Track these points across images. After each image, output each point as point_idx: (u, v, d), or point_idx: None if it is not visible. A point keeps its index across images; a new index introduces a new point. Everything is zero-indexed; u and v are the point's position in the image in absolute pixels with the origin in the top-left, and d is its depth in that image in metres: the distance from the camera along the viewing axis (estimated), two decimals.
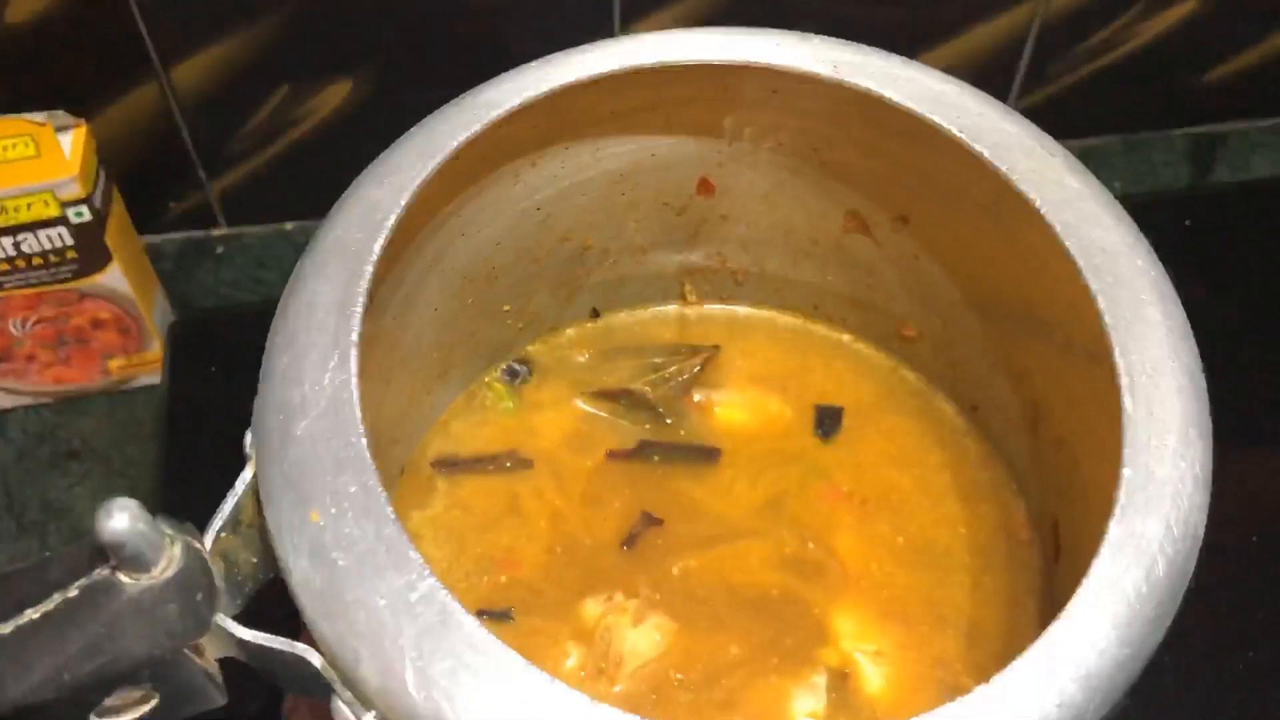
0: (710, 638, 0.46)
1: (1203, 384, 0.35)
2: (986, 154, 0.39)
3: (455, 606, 0.31)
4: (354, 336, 0.35)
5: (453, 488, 0.48)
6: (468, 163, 0.41)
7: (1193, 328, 0.36)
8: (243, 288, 0.69)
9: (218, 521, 0.34)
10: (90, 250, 0.57)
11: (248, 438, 0.35)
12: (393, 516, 0.32)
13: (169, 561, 0.30)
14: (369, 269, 0.36)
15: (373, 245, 0.36)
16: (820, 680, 0.45)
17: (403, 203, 0.37)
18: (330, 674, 0.32)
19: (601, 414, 0.50)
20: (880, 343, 0.53)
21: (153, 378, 0.65)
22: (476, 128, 0.39)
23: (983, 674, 0.30)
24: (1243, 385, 0.59)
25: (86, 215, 0.55)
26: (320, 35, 0.60)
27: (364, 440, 0.33)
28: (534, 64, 0.41)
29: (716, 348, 0.53)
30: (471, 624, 0.30)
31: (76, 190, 0.54)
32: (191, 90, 0.61)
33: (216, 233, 0.69)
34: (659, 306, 0.54)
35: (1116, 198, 0.38)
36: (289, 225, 0.70)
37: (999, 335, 0.47)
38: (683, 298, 0.54)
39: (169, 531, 0.31)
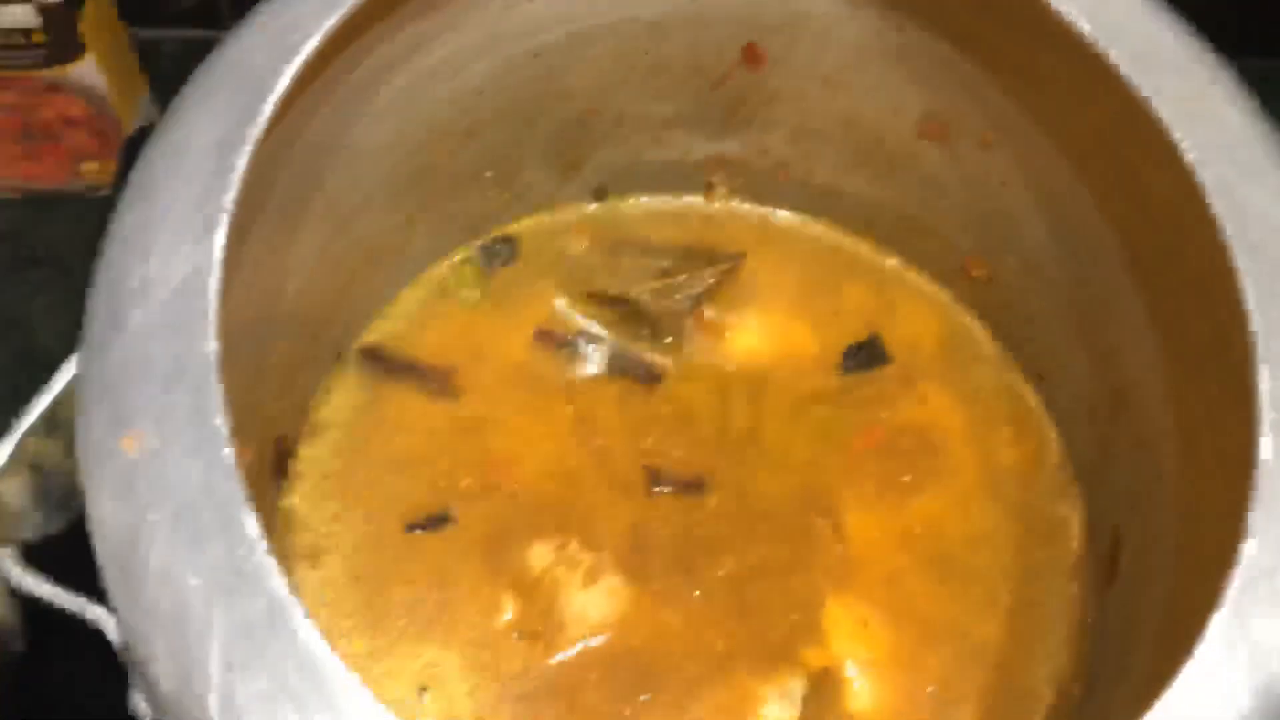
0: (675, 612, 0.37)
1: None
2: (1123, 65, 0.28)
3: (293, 603, 0.22)
4: (227, 199, 0.26)
5: (377, 390, 0.39)
6: None
7: None
8: None
9: (24, 423, 0.26)
10: (60, 36, 0.51)
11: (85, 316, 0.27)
12: (230, 459, 0.23)
13: None
14: (270, 103, 0.27)
15: (277, 75, 0.27)
16: (797, 686, 0.37)
17: (328, 23, 0.28)
18: (125, 656, 0.23)
19: (575, 335, 0.41)
20: (940, 277, 0.43)
21: None
22: None
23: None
24: None
25: None
26: None
27: (213, 345, 0.24)
28: None
29: (741, 256, 0.44)
30: (309, 632, 0.22)
31: None
32: None
33: (223, 33, 0.62)
34: (678, 197, 0.45)
35: None
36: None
37: (1090, 298, 0.38)
38: (708, 189, 0.45)
39: None
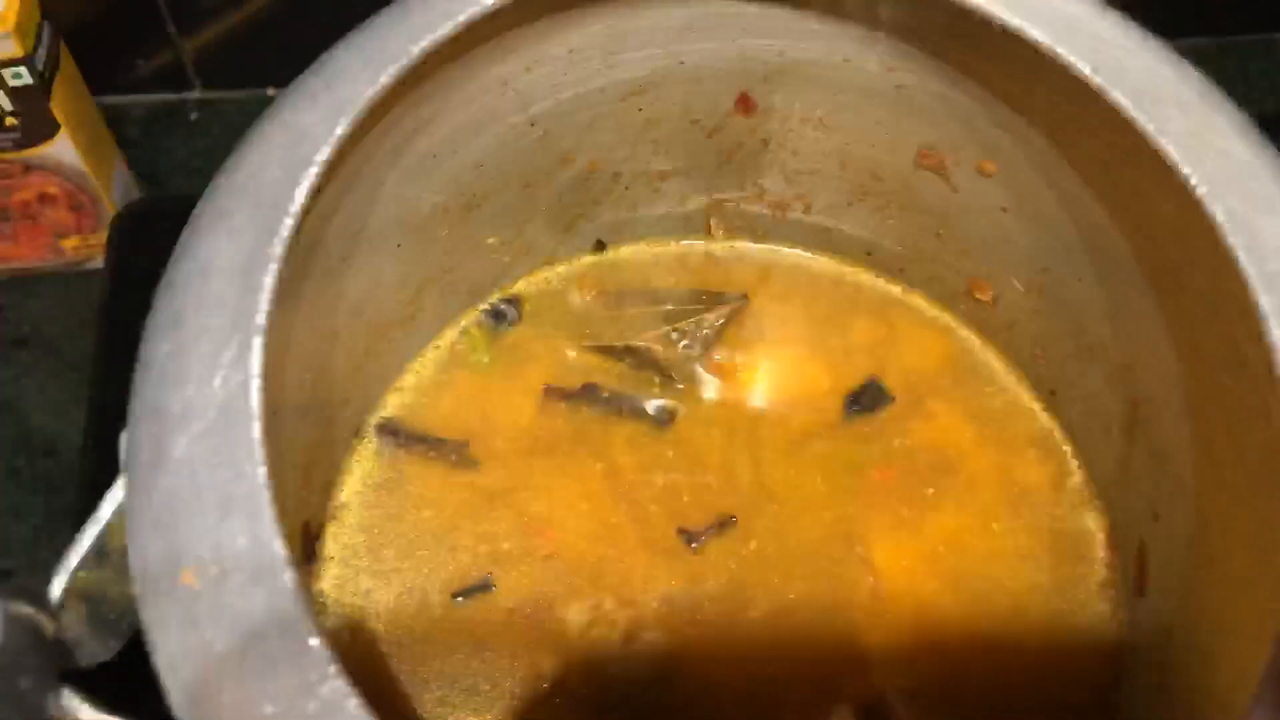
0: (718, 660, 0.38)
1: None
2: (1124, 101, 0.29)
3: None
4: (260, 318, 0.26)
5: (398, 465, 0.39)
6: (434, 68, 0.31)
7: None
8: (217, 160, 0.62)
9: (74, 558, 0.26)
10: (33, 118, 0.51)
11: (122, 442, 0.26)
12: (291, 585, 0.23)
13: None
14: (288, 221, 0.27)
15: (294, 189, 0.27)
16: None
17: (338, 131, 0.28)
18: None
19: (584, 389, 0.41)
20: (945, 301, 0.44)
21: None
22: (446, 28, 0.29)
23: None
24: None
25: (27, 78, 0.49)
26: None
27: (263, 471, 0.24)
28: None
29: (744, 296, 0.44)
30: None
31: (13, 48, 0.48)
32: None
33: (190, 96, 0.63)
34: (678, 241, 0.45)
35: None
36: (272, 91, 0.61)
37: (1100, 315, 0.38)
38: (708, 231, 0.45)
39: None
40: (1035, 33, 0.29)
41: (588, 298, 0.44)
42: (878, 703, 0.38)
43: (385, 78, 0.29)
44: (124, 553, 0.27)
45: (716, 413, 0.42)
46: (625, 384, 0.42)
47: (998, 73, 0.34)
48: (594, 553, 0.40)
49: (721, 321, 0.43)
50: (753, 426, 0.42)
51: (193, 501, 0.24)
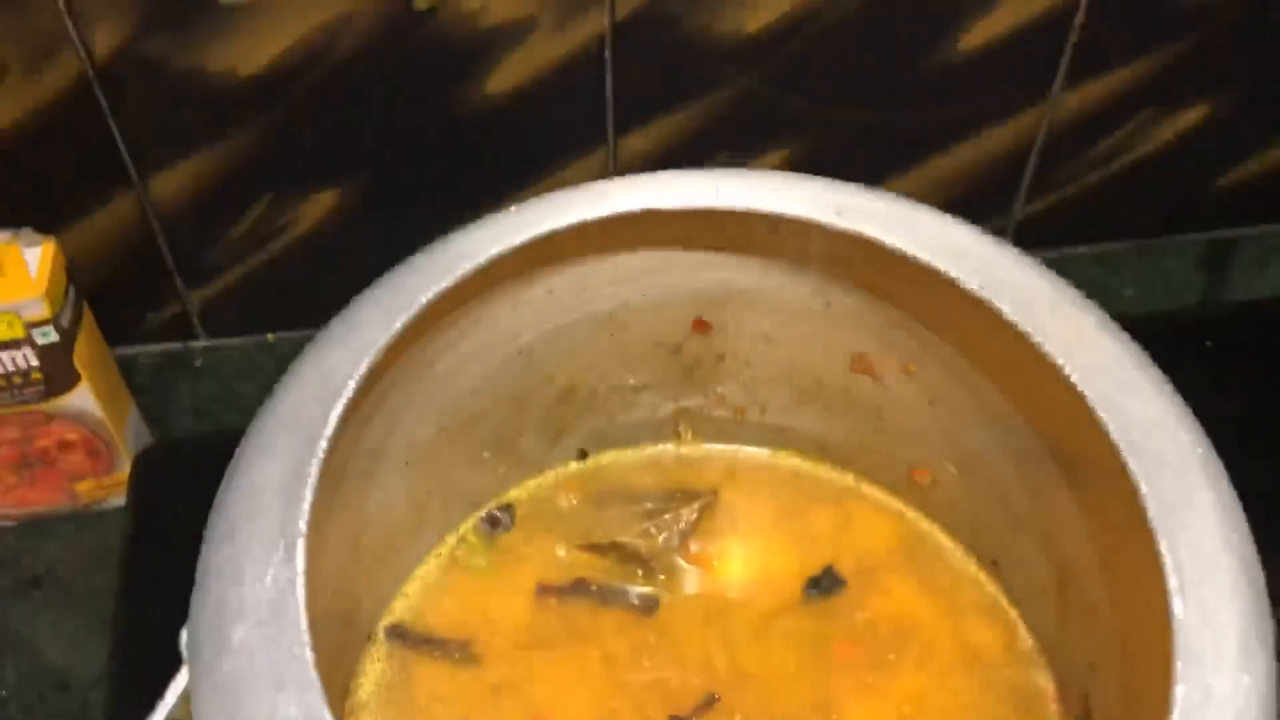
0: None
1: (1261, 580, 0.31)
2: (1008, 311, 0.35)
3: None
4: (301, 525, 0.31)
5: (406, 666, 0.43)
6: (438, 315, 0.37)
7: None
8: (221, 401, 0.66)
9: None
10: (57, 371, 0.55)
11: (183, 637, 0.31)
12: None
13: None
14: (323, 445, 0.32)
15: (327, 418, 0.33)
16: None
17: (364, 368, 0.34)
18: None
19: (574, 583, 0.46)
20: (891, 488, 0.49)
21: (124, 499, 0.61)
22: (447, 282, 0.36)
23: None
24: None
25: (53, 336, 0.53)
26: (305, 144, 0.58)
27: (309, 652, 0.29)
28: (512, 210, 0.37)
29: (714, 492, 0.49)
30: None
31: (42, 311, 0.52)
32: (170, 200, 0.59)
33: (195, 345, 0.66)
34: (652, 446, 0.51)
35: (1129, 306, 0.34)
36: (271, 337, 0.66)
37: (1019, 490, 0.43)
38: (677, 436, 0.51)
39: None
40: (932, 259, 0.36)
41: (574, 501, 0.49)
42: None
43: (399, 324, 0.35)
44: None
45: (694, 599, 0.47)
46: (612, 577, 0.47)
47: (907, 293, 0.40)
48: None
49: (695, 516, 0.48)
50: (726, 610, 0.46)
51: (250, 679, 0.29)
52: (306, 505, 0.31)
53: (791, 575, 0.47)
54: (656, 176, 0.38)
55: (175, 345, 0.66)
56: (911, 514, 0.49)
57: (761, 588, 0.47)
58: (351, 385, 0.33)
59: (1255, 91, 0.64)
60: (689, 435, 0.51)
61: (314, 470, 0.32)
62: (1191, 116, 0.64)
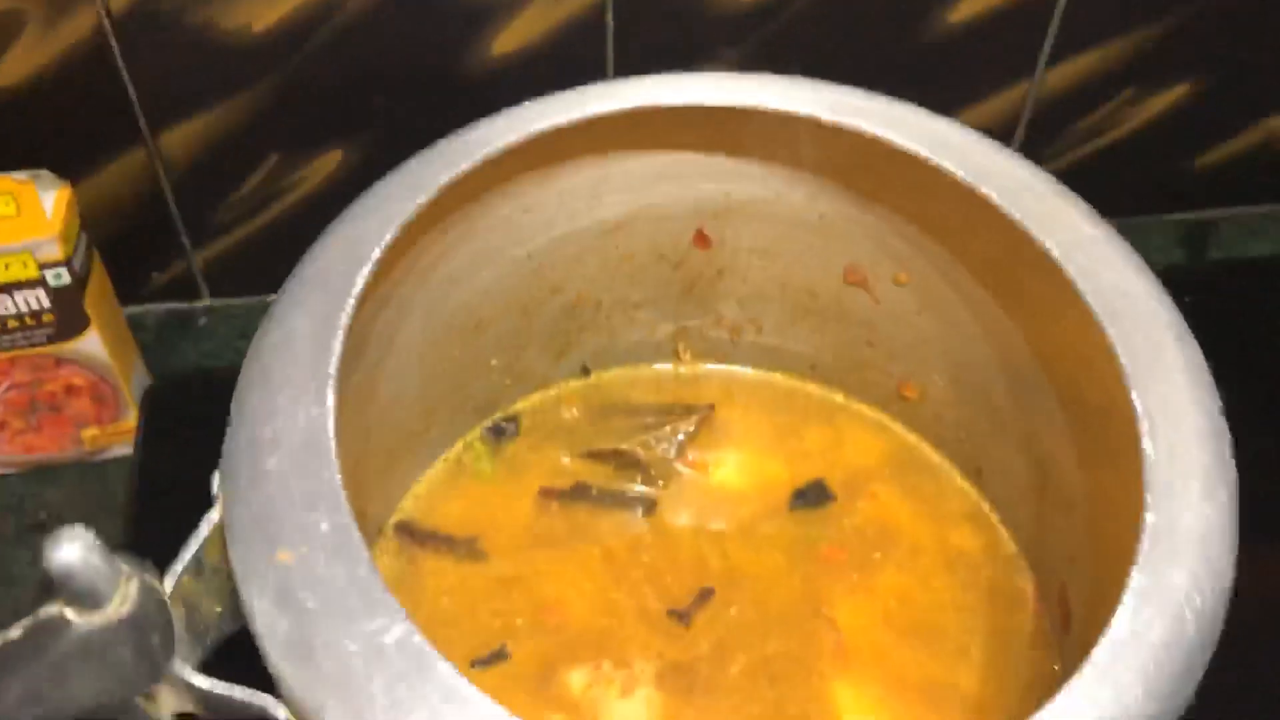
0: (705, 711, 0.43)
1: (1224, 427, 0.34)
2: (995, 197, 0.37)
3: (432, 653, 0.28)
4: (331, 369, 0.33)
5: (414, 560, 0.45)
6: (457, 202, 0.40)
7: None
8: (224, 359, 0.67)
9: (180, 564, 0.32)
10: (68, 314, 0.55)
11: (215, 478, 0.33)
12: (366, 557, 0.30)
13: (123, 599, 0.28)
14: (350, 301, 0.34)
15: (354, 277, 0.35)
16: None
17: (387, 237, 0.36)
18: None
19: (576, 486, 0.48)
20: (880, 404, 0.51)
21: (127, 448, 0.62)
22: (465, 165, 0.38)
23: None
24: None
25: (66, 278, 0.54)
26: (312, 104, 0.59)
27: (338, 477, 0.31)
28: (528, 104, 0.40)
29: (711, 407, 0.51)
30: (449, 672, 0.28)
31: (56, 252, 0.53)
32: (179, 156, 0.60)
33: (199, 304, 0.67)
34: (652, 365, 0.53)
35: None
36: (273, 298, 0.68)
37: (1004, 394, 0.46)
38: (676, 356, 0.53)
39: (125, 567, 0.28)
40: (919, 149, 0.38)
41: (577, 413, 0.51)
42: None
43: (420, 200, 0.37)
44: (216, 570, 0.33)
45: (690, 502, 0.49)
46: (612, 482, 0.49)
47: (897, 194, 0.42)
48: (597, 625, 0.45)
49: (692, 428, 0.51)
50: (720, 513, 0.49)
51: (284, 502, 0.31)
52: (335, 354, 0.33)
53: (782, 484, 0.50)
54: (663, 77, 0.40)
55: (180, 304, 0.67)
56: (899, 429, 0.51)
57: (754, 494, 0.49)
58: (377, 251, 0.35)
59: (1235, 72, 0.66)
60: (687, 355, 0.53)
61: (343, 321, 0.34)
62: (1172, 95, 0.67)
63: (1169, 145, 0.70)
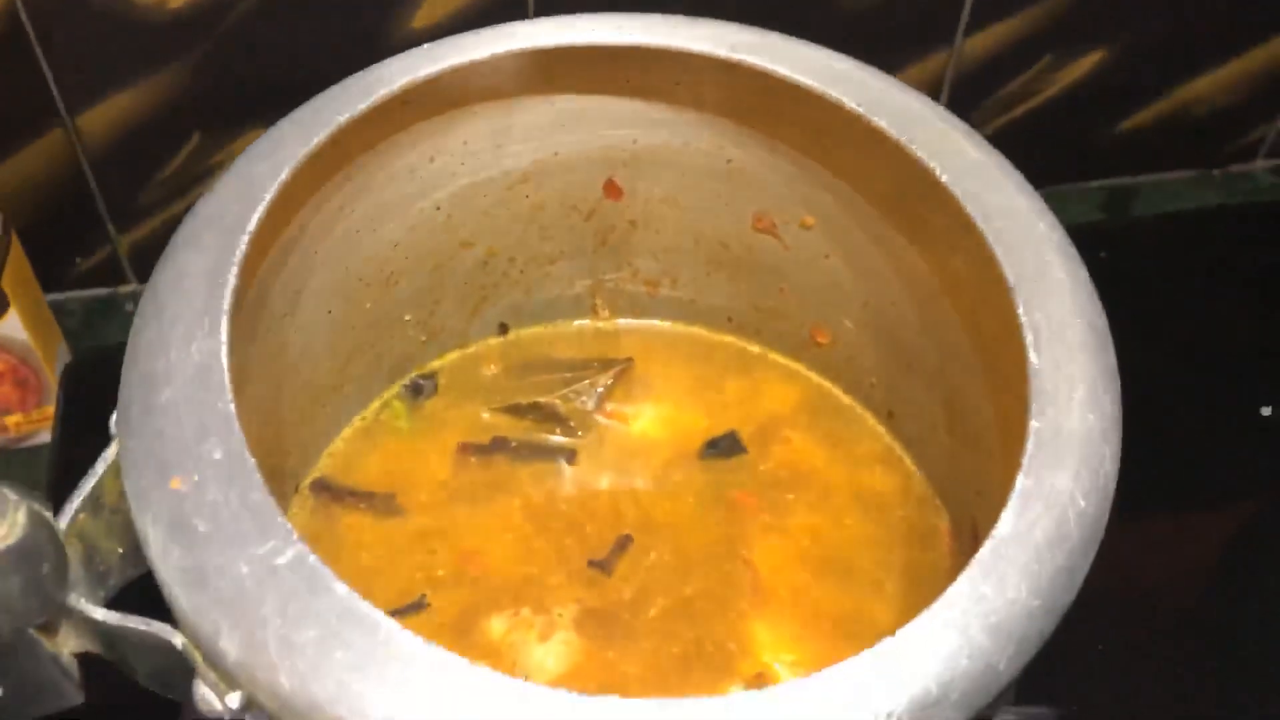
0: (624, 652, 0.43)
1: (1109, 340, 0.34)
2: (885, 124, 0.38)
3: (325, 572, 0.28)
4: (224, 304, 0.33)
5: (331, 517, 0.45)
6: (358, 148, 0.40)
7: None
8: None
9: (75, 500, 0.32)
10: None
11: (113, 419, 0.33)
12: (260, 481, 0.30)
13: (10, 528, 0.28)
14: (244, 239, 0.34)
15: (249, 216, 0.35)
16: (738, 690, 0.43)
17: (281, 177, 0.36)
18: (192, 653, 0.29)
19: (500, 453, 0.48)
20: (794, 352, 0.52)
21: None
22: (362, 105, 0.38)
23: None
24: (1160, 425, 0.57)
25: None
26: (232, 82, 0.59)
27: (231, 406, 0.31)
28: (427, 45, 0.40)
29: (630, 360, 0.52)
30: (342, 589, 0.28)
31: None
32: (100, 138, 0.59)
33: (125, 289, 0.67)
34: (571, 321, 0.53)
35: None
36: None
37: (913, 332, 0.46)
38: (594, 312, 0.53)
39: (11, 495, 0.28)
40: (815, 83, 0.39)
41: (495, 370, 0.52)
42: (765, 673, 0.44)
43: (317, 139, 0.37)
44: (115, 510, 0.33)
45: (608, 453, 0.49)
46: (531, 435, 0.49)
47: (799, 132, 0.43)
48: (518, 574, 0.45)
49: (611, 381, 0.51)
50: (635, 463, 0.49)
51: (176, 431, 0.31)
52: (229, 290, 0.33)
53: (700, 434, 0.50)
54: (562, 19, 0.41)
55: (105, 290, 0.66)
56: (814, 376, 0.52)
57: (672, 445, 0.50)
58: (273, 189, 0.35)
59: (1150, 39, 0.67)
60: (605, 311, 0.53)
61: (237, 258, 0.34)
62: (1089, 62, 0.68)
63: (1089, 112, 0.71)
